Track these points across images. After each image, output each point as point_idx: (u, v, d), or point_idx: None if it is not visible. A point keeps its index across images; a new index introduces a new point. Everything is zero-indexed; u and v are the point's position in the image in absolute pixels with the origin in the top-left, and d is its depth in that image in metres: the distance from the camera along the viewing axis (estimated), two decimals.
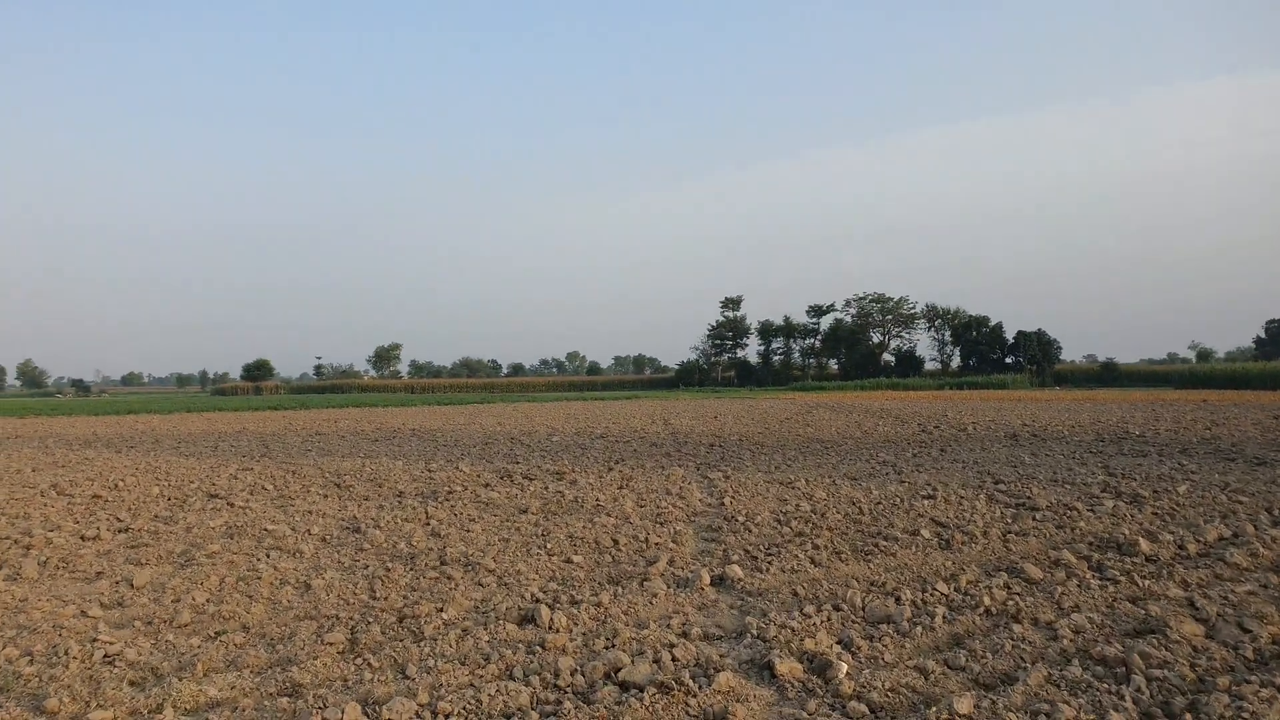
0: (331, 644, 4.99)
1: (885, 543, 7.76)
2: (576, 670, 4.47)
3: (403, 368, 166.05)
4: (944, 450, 17.57)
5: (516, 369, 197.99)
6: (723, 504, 10.36)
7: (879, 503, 10.35)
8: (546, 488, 11.93)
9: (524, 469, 14.44)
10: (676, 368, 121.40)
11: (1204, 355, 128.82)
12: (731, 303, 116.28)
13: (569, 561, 7.25)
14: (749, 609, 5.78)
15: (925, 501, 10.35)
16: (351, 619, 5.53)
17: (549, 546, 7.71)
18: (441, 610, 5.68)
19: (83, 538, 8.40)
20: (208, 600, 6.04)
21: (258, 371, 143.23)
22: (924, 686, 4.28)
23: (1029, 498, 10.59)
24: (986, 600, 5.70)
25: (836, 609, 5.67)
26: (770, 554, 7.43)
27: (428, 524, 9.21)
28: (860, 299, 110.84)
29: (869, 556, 7.31)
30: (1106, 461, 14.77)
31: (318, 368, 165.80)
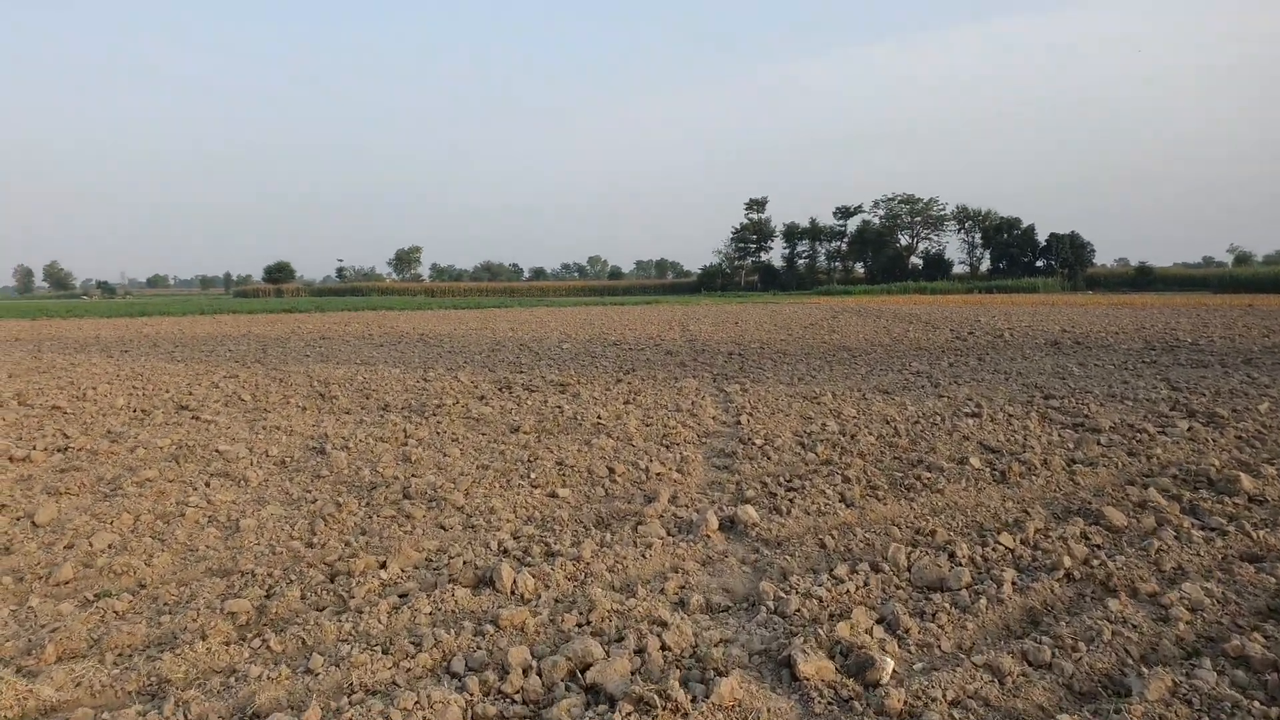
0: (233, 614, 3.93)
1: (929, 474, 6.59)
2: (531, 667, 3.36)
3: (423, 271, 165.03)
4: (982, 359, 16.26)
5: (538, 273, 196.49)
6: (739, 422, 9.20)
7: (916, 422, 9.16)
8: (545, 401, 10.82)
9: (526, 379, 13.33)
10: (699, 272, 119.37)
11: (1242, 259, 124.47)
12: (756, 204, 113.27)
13: (553, 496, 6.15)
14: (765, 566, 4.64)
15: (969, 421, 9.14)
16: (271, 575, 4.46)
17: (533, 476, 6.60)
18: (383, 565, 4.60)
19: (10, 458, 7.40)
20: (109, 546, 5.00)
21: (279, 274, 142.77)
22: (1001, 698, 3.14)
23: (1088, 416, 9.35)
24: (1065, 559, 4.52)
25: (875, 569, 4.51)
26: (792, 488, 6.29)
27: (404, 445, 8.14)
28: (889, 200, 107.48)
29: (911, 493, 6.14)
30: (1164, 373, 13.42)
31: (339, 270, 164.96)
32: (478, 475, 6.66)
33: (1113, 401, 10.49)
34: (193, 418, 9.69)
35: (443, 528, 5.38)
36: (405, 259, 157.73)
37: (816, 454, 7.47)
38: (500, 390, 12.13)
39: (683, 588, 4.32)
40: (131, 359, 17.61)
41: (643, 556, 4.73)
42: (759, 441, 8.04)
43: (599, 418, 9.45)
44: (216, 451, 7.61)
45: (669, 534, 5.23)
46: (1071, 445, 7.80)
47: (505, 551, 4.87)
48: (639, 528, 5.26)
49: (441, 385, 12.57)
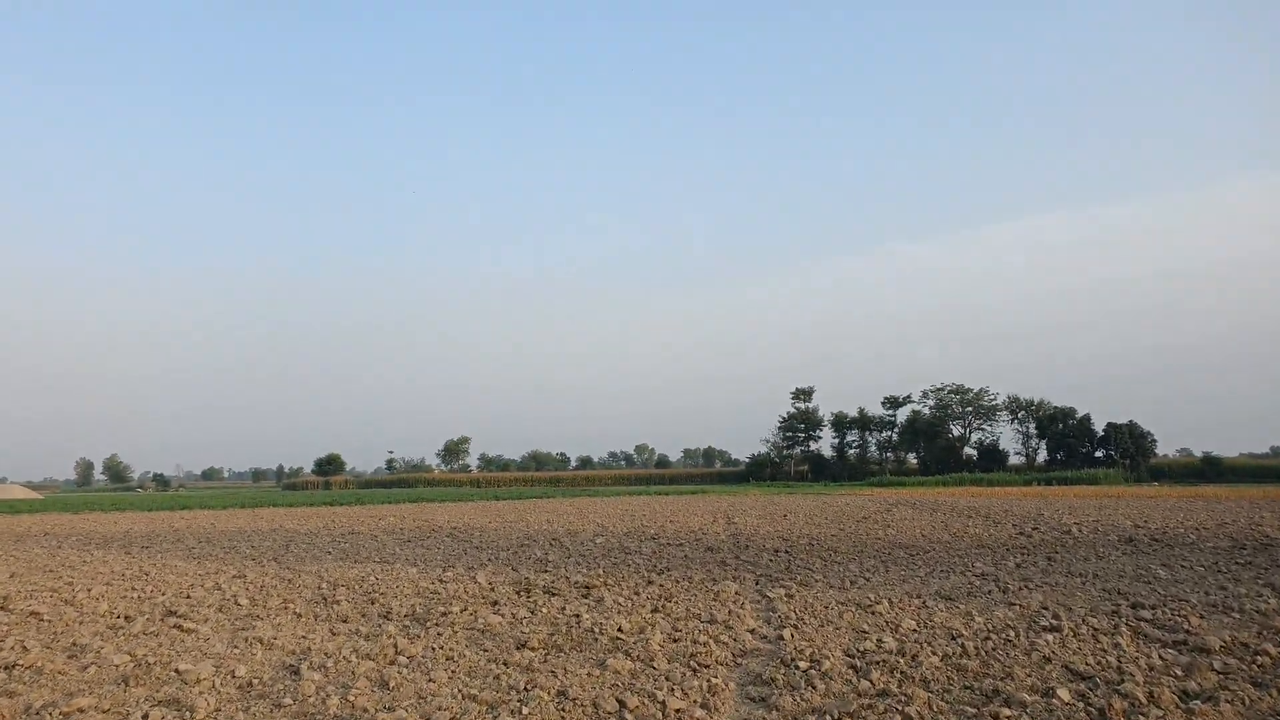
0: None
1: (1009, 711, 5.35)
2: None
3: (472, 461, 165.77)
4: (1051, 559, 14.77)
5: (585, 462, 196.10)
6: (781, 637, 7.99)
7: (987, 637, 7.87)
8: (564, 608, 9.71)
9: (549, 580, 12.24)
10: (747, 461, 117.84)
11: None
12: (803, 394, 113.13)
13: None
14: None
15: (1048, 637, 7.82)
16: None
17: (526, 712, 5.49)
18: None
19: None
20: None
21: (329, 466, 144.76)
22: None
23: (1190, 633, 7.98)
24: None
25: None
26: None
27: (392, 663, 7.09)
28: (938, 390, 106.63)
29: None
30: (1265, 577, 11.87)
31: (389, 462, 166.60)
32: (461, 709, 5.57)
33: (1215, 613, 9.07)
34: (174, 626, 8.77)
35: None
36: (454, 450, 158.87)
37: (871, 681, 6.25)
38: (518, 593, 11.05)
39: None
40: (148, 556, 16.89)
41: None
42: (803, 664, 6.84)
43: (619, 630, 8.32)
44: (175, 672, 6.63)
45: None
46: (1180, 672, 6.48)
47: None
48: None
49: (456, 588, 11.53)
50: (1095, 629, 8.24)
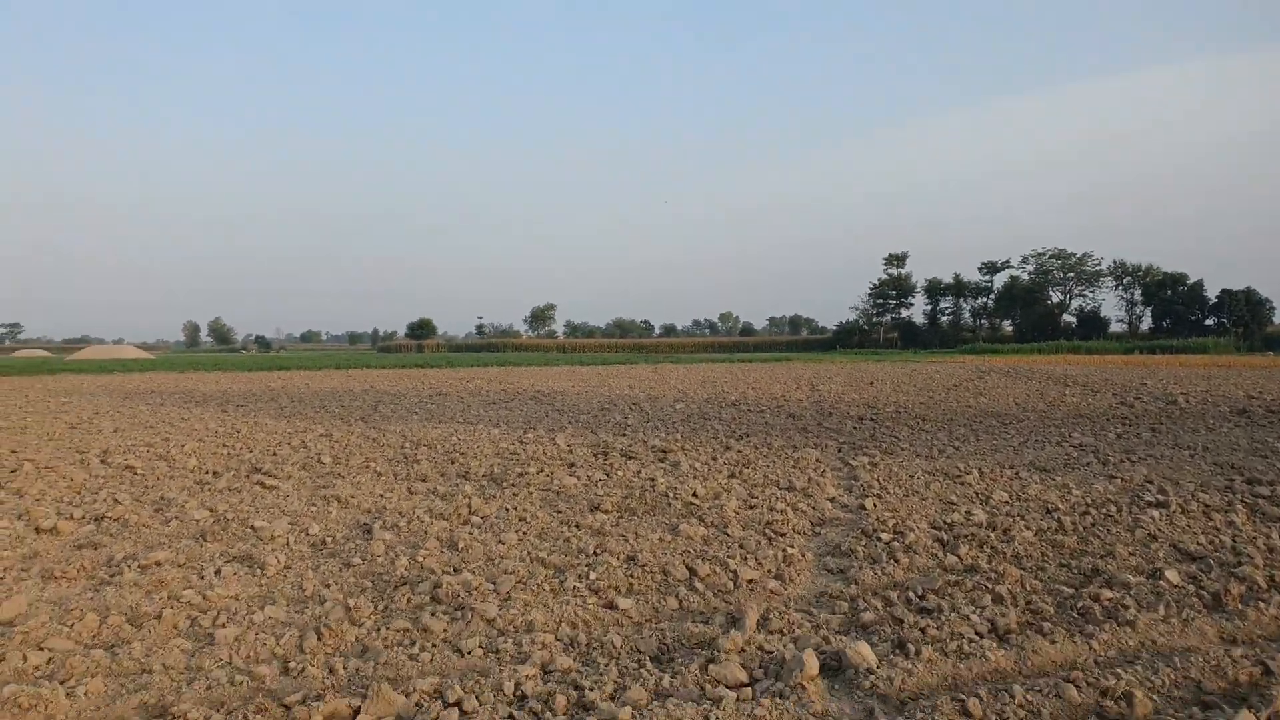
0: None
1: (1110, 593, 4.93)
2: None
3: (558, 327, 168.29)
4: (1156, 430, 13.98)
5: (669, 330, 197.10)
6: (863, 507, 7.67)
7: (1085, 512, 7.38)
8: (639, 472, 9.57)
9: (627, 443, 12.15)
10: (834, 329, 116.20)
11: None
12: (896, 260, 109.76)
13: (612, 607, 4.86)
14: None
15: (1154, 513, 7.28)
16: None
17: (594, 577, 5.32)
18: (356, 714, 3.44)
19: (38, 528, 6.74)
20: (45, 664, 4.04)
21: (421, 330, 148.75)
22: None
23: None
24: None
25: None
26: (925, 609, 4.77)
27: (465, 523, 7.06)
28: (1039, 255, 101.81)
29: (1088, 624, 4.51)
30: None
31: (479, 327, 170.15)
32: (528, 572, 5.44)
33: None
34: (258, 483, 8.96)
35: (459, 651, 4.17)
36: (540, 316, 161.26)
37: (959, 556, 5.89)
38: (595, 456, 10.98)
39: None
40: (242, 414, 17.53)
41: None
42: (886, 535, 6.51)
43: (694, 495, 8.12)
44: (251, 529, 6.72)
45: (750, 679, 3.85)
46: None
47: (521, 699, 3.61)
48: (709, 668, 3.89)
49: (534, 450, 11.54)
50: (1206, 506, 7.65)
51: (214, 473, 9.76)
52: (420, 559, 5.81)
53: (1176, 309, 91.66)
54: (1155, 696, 3.63)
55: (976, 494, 8.31)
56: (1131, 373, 35.30)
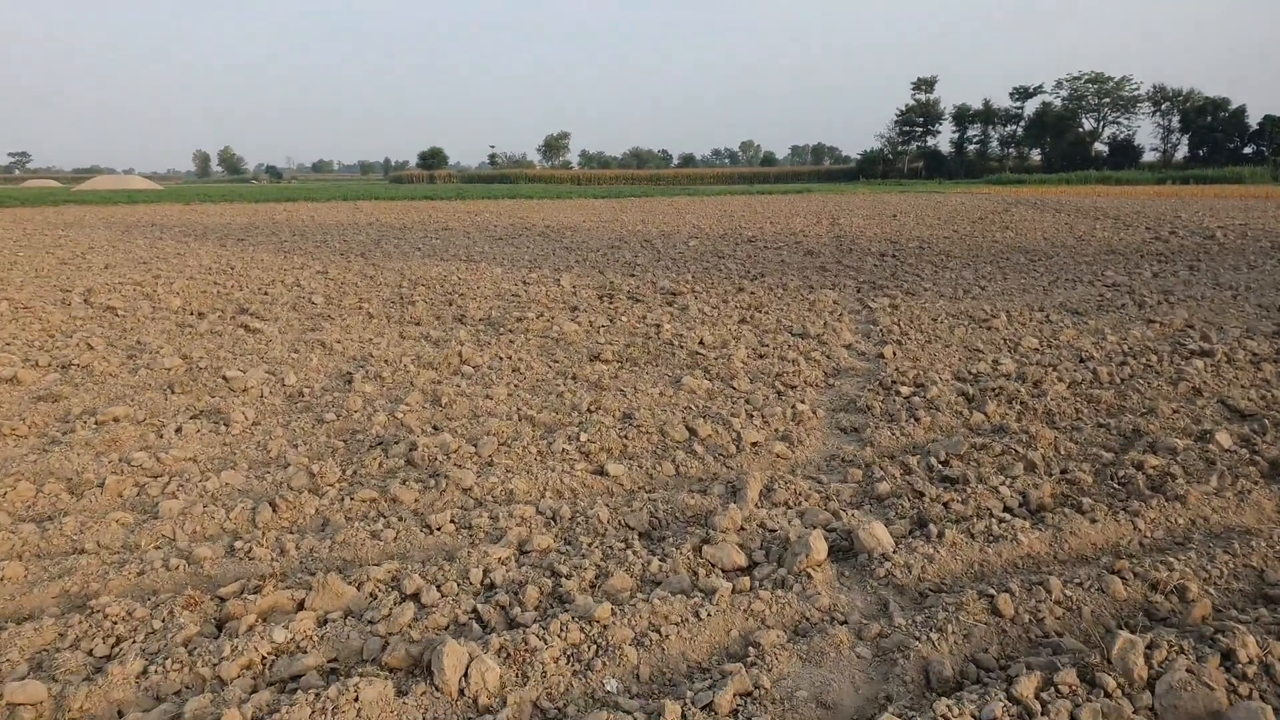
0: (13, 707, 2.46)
1: (1155, 459, 4.44)
2: None
3: (572, 158, 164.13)
4: (1194, 268, 13.22)
5: (687, 160, 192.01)
6: (881, 355, 7.14)
7: (1123, 362, 6.82)
8: (644, 317, 9.03)
9: (634, 284, 11.56)
10: (858, 158, 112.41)
11: None
12: (924, 84, 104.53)
13: (601, 473, 4.42)
14: (896, 655, 2.77)
15: (1198, 363, 6.71)
16: (131, 617, 2.96)
17: (584, 438, 4.85)
18: (300, 607, 3.04)
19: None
20: None
21: (432, 160, 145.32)
22: None
23: None
24: None
25: (1090, 681, 2.56)
26: (948, 479, 4.31)
27: (456, 373, 6.60)
28: (1073, 79, 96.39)
29: (1131, 498, 4.04)
30: None
31: (491, 157, 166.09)
32: (514, 432, 4.99)
33: None
34: (242, 326, 8.50)
35: (427, 527, 3.76)
36: (554, 146, 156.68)
37: (986, 414, 5.39)
38: (600, 299, 10.43)
39: (749, 696, 2.54)
40: (241, 249, 16.96)
41: (695, 618, 2.96)
42: (905, 389, 6.00)
43: (701, 343, 7.60)
44: (223, 379, 6.27)
45: (749, 563, 3.43)
46: None
47: (489, 589, 3.20)
48: (704, 549, 3.46)
49: (537, 291, 10.99)
50: (1254, 355, 7.07)
51: (198, 314, 9.30)
52: (400, 415, 5.37)
53: (1215, 136, 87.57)
54: (1212, 590, 3.17)
55: (1004, 340, 7.74)
56: (1164, 205, 33.88)
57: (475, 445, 4.71)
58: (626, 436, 4.92)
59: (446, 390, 5.91)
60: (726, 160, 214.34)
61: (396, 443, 4.83)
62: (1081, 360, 6.96)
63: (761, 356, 7.12)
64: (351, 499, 4.03)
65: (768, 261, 14.44)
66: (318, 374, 6.56)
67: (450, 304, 10.02)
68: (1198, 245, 17.17)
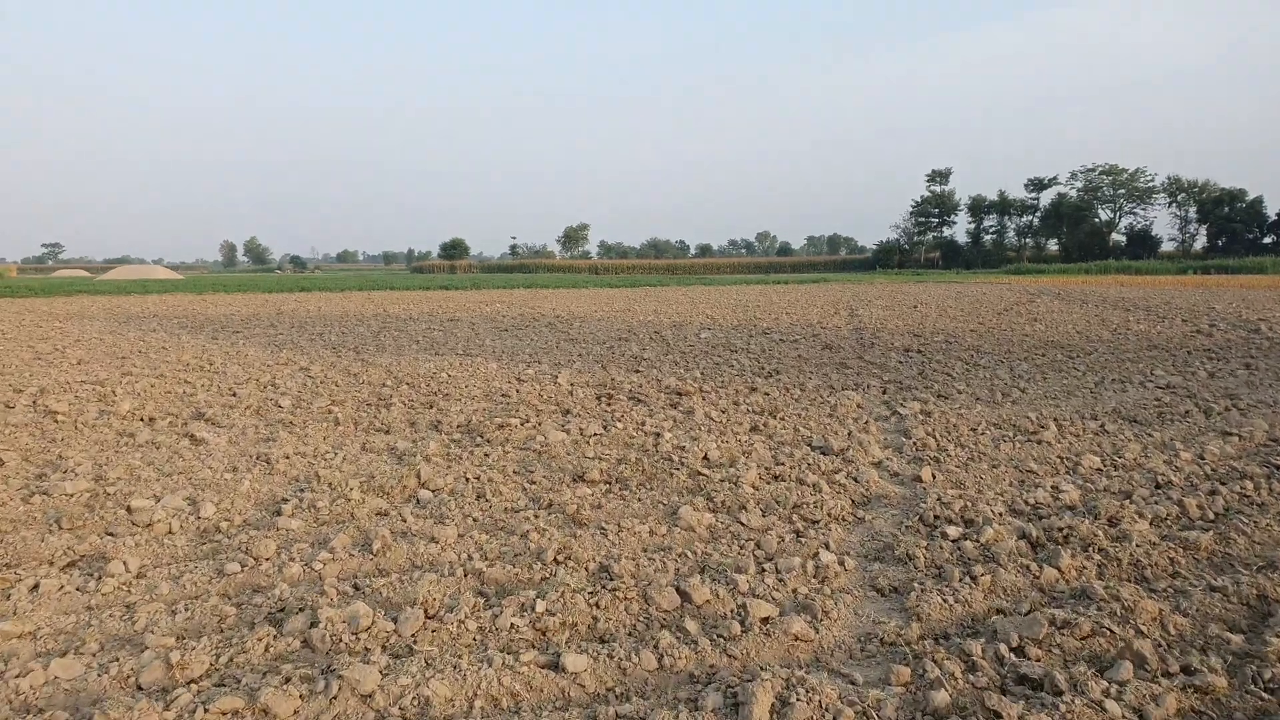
0: None
1: None
2: None
3: (592, 248, 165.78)
4: (1250, 365, 12.07)
5: (704, 250, 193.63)
6: (919, 479, 6.01)
7: (1212, 490, 5.65)
8: (644, 422, 7.97)
9: (638, 382, 10.54)
10: (874, 249, 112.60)
11: None
12: (939, 176, 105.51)
13: (555, 668, 3.26)
14: None
15: None
16: None
17: (542, 607, 3.72)
18: None
19: None
20: None
21: (454, 250, 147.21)
22: None
23: None
24: None
25: None
26: (1027, 682, 3.14)
27: (408, 502, 5.53)
28: (1087, 171, 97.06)
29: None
30: None
31: (512, 247, 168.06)
32: (451, 598, 3.87)
33: None
34: (188, 436, 7.49)
35: None
36: (573, 236, 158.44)
37: (1060, 570, 4.22)
38: (599, 399, 9.40)
39: None
40: (232, 342, 16.14)
41: None
42: (953, 529, 4.85)
43: (705, 458, 6.51)
44: (127, 510, 5.21)
45: None
46: None
47: None
48: None
49: (530, 390, 9.98)
50: None
51: (148, 419, 8.32)
52: (318, 566, 4.27)
53: (1233, 227, 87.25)
54: None
55: (1060, 458, 6.59)
56: (1193, 295, 32.84)
57: (395, 620, 3.59)
58: (598, 604, 3.78)
59: (386, 529, 4.81)
60: (743, 250, 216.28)
61: (298, 611, 3.72)
62: (1158, 486, 5.80)
63: (776, 478, 6.00)
64: (207, 710, 2.91)
65: (784, 356, 13.41)
66: (245, 502, 5.50)
67: (431, 406, 9.01)
68: (1244, 340, 16.05)
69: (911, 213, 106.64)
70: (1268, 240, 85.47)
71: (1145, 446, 7.04)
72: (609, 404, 9.10)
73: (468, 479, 6.02)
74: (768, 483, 5.91)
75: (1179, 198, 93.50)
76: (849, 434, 7.49)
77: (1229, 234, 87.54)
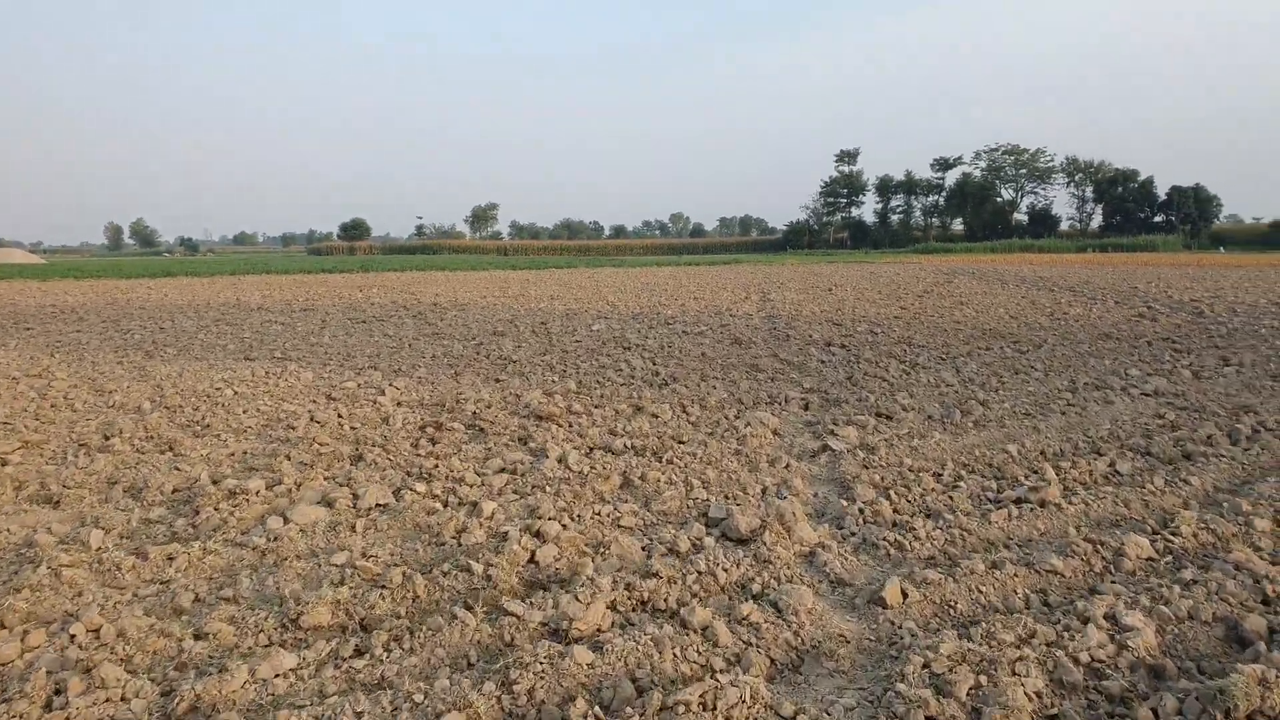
0: None
1: None
2: None
3: (502, 228, 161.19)
4: (1229, 360, 10.23)
5: (618, 231, 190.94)
6: (881, 601, 3.56)
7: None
8: (462, 479, 5.34)
9: (490, 398, 7.93)
10: (784, 229, 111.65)
11: None
12: (847, 156, 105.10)
13: None
14: None
15: None
16: None
17: None
18: None
19: None
20: None
21: (354, 231, 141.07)
22: None
23: None
24: None
25: None
26: None
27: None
28: (991, 151, 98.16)
29: None
30: None
31: (419, 228, 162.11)
32: None
33: None
34: None
35: None
36: (482, 216, 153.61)
37: None
38: (421, 429, 6.77)
39: None
40: (18, 346, 12.84)
41: None
42: (958, 695, 2.42)
43: (533, 562, 3.93)
44: None
45: None
46: None
47: None
48: None
49: (332, 415, 7.27)
50: None
51: None
52: None
53: (1127, 206, 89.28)
54: None
55: (1091, 543, 4.21)
56: (1109, 274, 31.92)
57: None
58: None
59: None
60: (657, 231, 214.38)
61: None
62: (1266, 602, 3.51)
63: (644, 603, 3.48)
64: None
65: (685, 355, 10.94)
66: None
67: (168, 449, 6.23)
68: (1192, 324, 14.43)
69: (821, 193, 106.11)
70: (1158, 219, 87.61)
71: (1189, 502, 4.80)
72: (431, 442, 6.44)
73: (75, 641, 3.31)
74: (629, 604, 3.40)
75: (1076, 178, 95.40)
76: (762, 491, 5.02)
77: (1122, 213, 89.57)
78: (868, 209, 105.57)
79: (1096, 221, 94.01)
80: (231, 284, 31.35)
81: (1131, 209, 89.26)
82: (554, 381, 9.07)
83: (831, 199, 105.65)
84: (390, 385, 8.84)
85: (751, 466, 5.62)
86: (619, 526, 4.46)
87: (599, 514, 4.61)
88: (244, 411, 7.60)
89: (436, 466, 5.63)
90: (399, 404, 7.95)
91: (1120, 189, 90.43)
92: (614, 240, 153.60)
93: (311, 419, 7.20)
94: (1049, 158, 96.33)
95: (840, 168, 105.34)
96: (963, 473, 5.44)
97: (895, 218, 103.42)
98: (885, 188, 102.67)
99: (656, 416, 7.18)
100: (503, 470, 5.60)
